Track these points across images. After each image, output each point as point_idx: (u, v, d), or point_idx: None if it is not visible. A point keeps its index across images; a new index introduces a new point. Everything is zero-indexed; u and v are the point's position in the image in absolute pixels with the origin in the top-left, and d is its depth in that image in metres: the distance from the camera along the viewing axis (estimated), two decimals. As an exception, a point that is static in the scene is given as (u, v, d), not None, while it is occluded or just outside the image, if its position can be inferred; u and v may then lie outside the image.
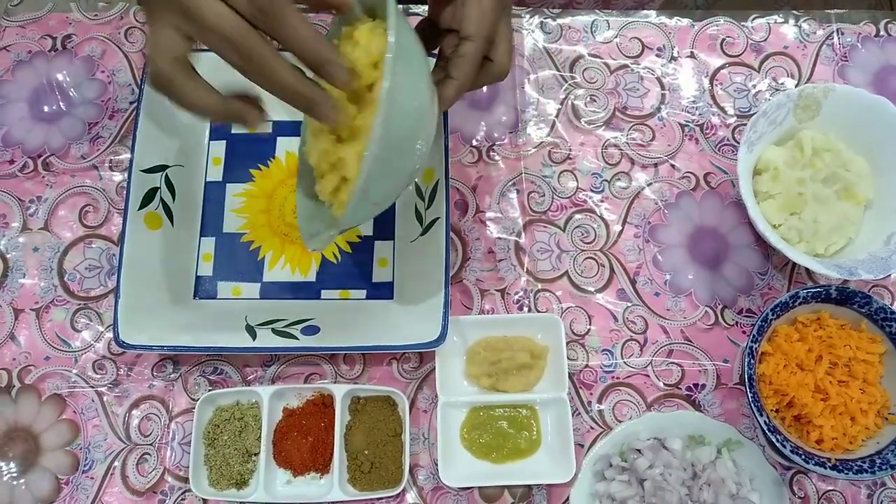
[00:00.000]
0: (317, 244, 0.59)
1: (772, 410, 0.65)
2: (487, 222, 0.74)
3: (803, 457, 0.62)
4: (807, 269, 0.72)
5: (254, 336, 0.65)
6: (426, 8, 0.79)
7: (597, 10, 0.81)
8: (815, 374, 0.65)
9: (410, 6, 0.80)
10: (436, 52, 0.57)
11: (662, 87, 0.79)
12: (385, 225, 0.72)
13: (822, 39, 0.80)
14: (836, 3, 0.87)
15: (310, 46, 0.44)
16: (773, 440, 0.62)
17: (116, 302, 0.63)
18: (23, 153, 0.74)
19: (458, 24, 0.52)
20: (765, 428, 0.62)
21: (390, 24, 0.45)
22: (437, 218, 0.68)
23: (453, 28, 0.53)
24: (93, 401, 0.67)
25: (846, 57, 0.80)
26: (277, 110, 0.63)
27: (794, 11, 0.82)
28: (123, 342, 0.62)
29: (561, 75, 0.79)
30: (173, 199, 0.70)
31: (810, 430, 0.64)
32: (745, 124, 0.77)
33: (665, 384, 0.69)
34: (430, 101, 0.51)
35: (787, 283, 0.72)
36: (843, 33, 0.81)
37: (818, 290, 0.66)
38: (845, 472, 0.61)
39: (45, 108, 0.76)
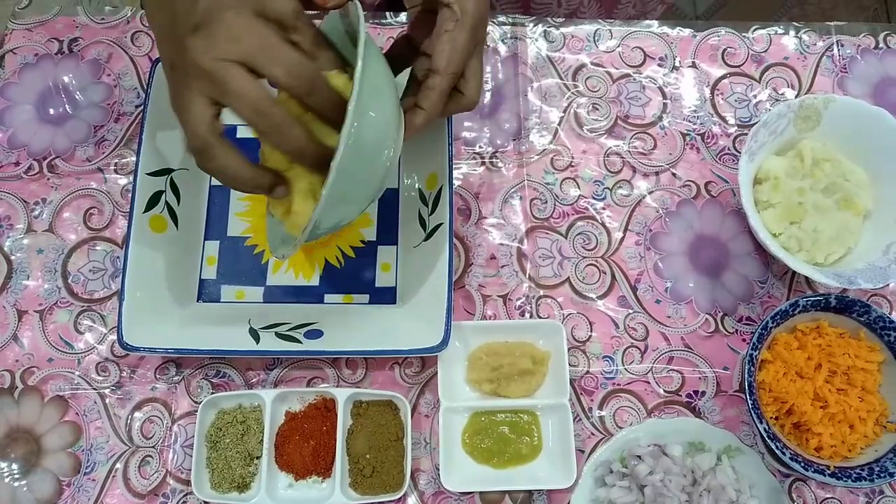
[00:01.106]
0: (282, 253, 0.61)
1: (771, 418, 0.66)
2: (490, 228, 0.74)
3: (802, 464, 0.62)
4: (806, 278, 0.73)
5: (257, 339, 0.65)
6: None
7: (599, 20, 0.82)
8: (815, 382, 0.65)
9: (401, 13, 0.81)
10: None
11: (664, 97, 0.79)
12: (388, 230, 0.73)
13: (822, 51, 0.81)
14: (834, 16, 0.88)
15: (335, 111, 0.49)
16: (773, 447, 0.62)
17: (121, 304, 0.64)
18: (28, 155, 0.75)
19: (432, 59, 0.54)
20: (764, 435, 0.62)
21: (357, 68, 0.47)
22: (441, 224, 0.68)
23: (428, 53, 0.54)
24: (95, 403, 0.68)
25: (846, 68, 0.81)
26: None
27: (794, 23, 0.83)
28: (127, 344, 0.63)
29: (564, 83, 0.79)
30: (178, 202, 0.70)
31: (809, 437, 0.64)
32: (745, 134, 0.78)
33: (665, 391, 0.69)
34: (396, 131, 0.53)
35: (787, 291, 0.73)
36: (842, 45, 0.82)
37: (818, 298, 0.67)
38: (844, 479, 0.62)
39: (51, 111, 0.77)
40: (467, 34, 0.53)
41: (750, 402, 0.63)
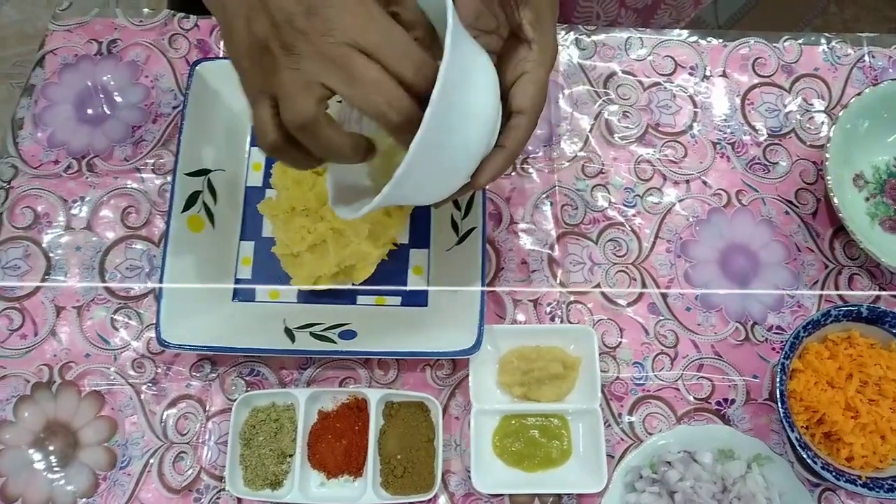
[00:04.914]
0: (346, 214, 0.56)
1: (802, 427, 0.66)
2: (521, 234, 0.75)
3: (834, 473, 0.62)
4: (836, 289, 0.73)
5: (292, 339, 0.66)
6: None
7: (631, 28, 0.82)
8: (846, 392, 0.65)
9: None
10: None
11: (695, 105, 0.80)
12: (421, 233, 0.73)
13: (854, 62, 0.82)
14: (857, 27, 0.87)
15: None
16: (804, 456, 0.62)
17: (159, 301, 0.65)
18: (67, 154, 0.76)
19: (513, 98, 0.52)
20: (796, 443, 0.62)
21: (449, 22, 0.45)
22: (474, 228, 0.69)
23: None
24: (131, 398, 0.69)
25: (877, 80, 0.81)
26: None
27: (825, 34, 0.83)
28: (165, 341, 0.64)
29: (595, 91, 0.80)
30: (215, 202, 0.71)
31: (840, 447, 0.65)
32: (776, 143, 0.78)
33: (695, 398, 0.70)
34: (492, 118, 0.50)
35: (817, 301, 0.73)
36: (874, 56, 0.82)
37: (849, 308, 0.67)
38: (876, 490, 0.62)
39: (90, 111, 0.78)
40: (548, 73, 0.52)
41: (781, 410, 0.63)
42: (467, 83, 0.48)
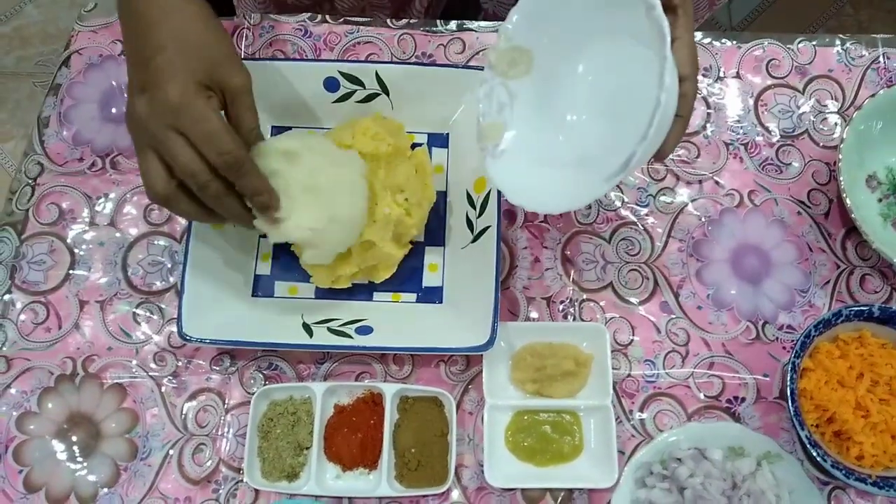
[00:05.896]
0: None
1: (812, 425, 0.66)
2: (535, 232, 0.76)
3: (844, 472, 0.63)
4: (848, 289, 0.73)
5: (310, 334, 0.68)
6: (480, 24, 0.82)
7: (645, 30, 0.83)
8: (856, 392, 0.66)
9: (465, 21, 0.83)
10: None
11: (708, 106, 0.80)
12: (436, 232, 0.74)
13: (868, 63, 0.82)
14: (871, 28, 0.88)
15: (261, 194, 0.60)
16: (814, 454, 0.63)
17: (181, 297, 0.66)
18: (92, 152, 0.78)
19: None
20: (806, 442, 0.63)
21: None
22: (488, 227, 0.70)
23: None
24: (152, 391, 0.70)
25: (892, 81, 0.81)
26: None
27: (839, 35, 0.83)
28: (186, 335, 0.65)
29: (609, 92, 0.81)
30: (235, 200, 0.73)
31: (850, 446, 0.65)
32: (789, 144, 0.79)
33: (706, 396, 0.71)
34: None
35: (829, 301, 0.74)
36: (889, 58, 0.82)
37: (861, 308, 0.67)
38: (886, 489, 0.63)
39: (114, 110, 0.80)
40: (693, 34, 0.55)
41: (792, 408, 0.64)
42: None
